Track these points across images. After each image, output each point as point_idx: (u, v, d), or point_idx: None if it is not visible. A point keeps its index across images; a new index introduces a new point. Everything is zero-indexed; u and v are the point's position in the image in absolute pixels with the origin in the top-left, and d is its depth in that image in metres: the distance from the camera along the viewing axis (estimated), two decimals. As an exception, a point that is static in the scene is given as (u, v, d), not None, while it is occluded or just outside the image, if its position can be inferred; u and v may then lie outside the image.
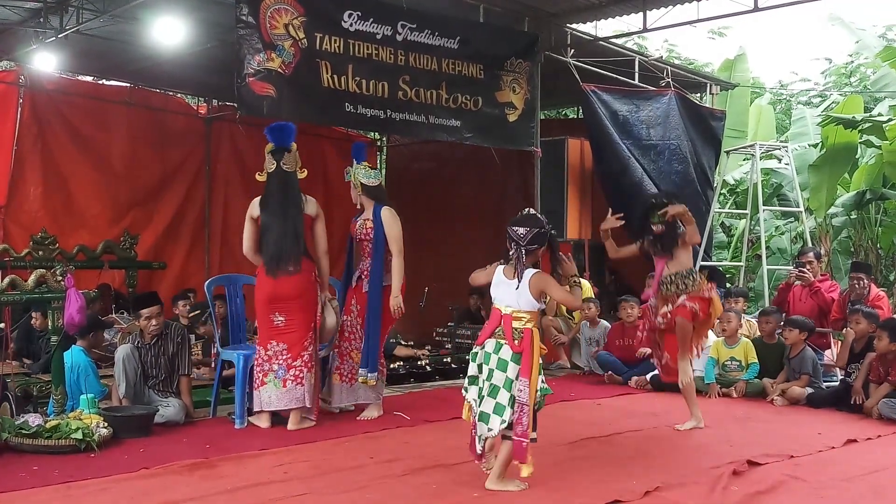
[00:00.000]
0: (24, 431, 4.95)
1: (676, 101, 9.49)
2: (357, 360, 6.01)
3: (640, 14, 8.61)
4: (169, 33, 7.93)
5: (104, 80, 10.68)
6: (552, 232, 4.46)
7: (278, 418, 5.72)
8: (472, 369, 4.36)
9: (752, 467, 4.74)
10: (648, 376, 7.30)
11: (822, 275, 8.40)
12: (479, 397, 4.28)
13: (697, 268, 6.01)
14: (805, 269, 8.06)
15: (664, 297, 5.76)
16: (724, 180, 11.58)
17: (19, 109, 9.26)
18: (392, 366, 7.65)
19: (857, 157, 12.22)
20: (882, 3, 21.38)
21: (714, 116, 10.22)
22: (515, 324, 4.25)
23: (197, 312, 7.85)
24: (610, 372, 7.77)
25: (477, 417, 4.27)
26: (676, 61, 14.34)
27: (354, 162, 6.12)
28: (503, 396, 4.19)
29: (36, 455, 4.84)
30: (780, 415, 6.44)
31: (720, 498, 4.21)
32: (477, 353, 4.35)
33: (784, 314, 7.71)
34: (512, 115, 8.42)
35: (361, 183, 6.05)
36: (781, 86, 18.27)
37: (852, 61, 16.95)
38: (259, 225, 5.75)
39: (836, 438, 5.50)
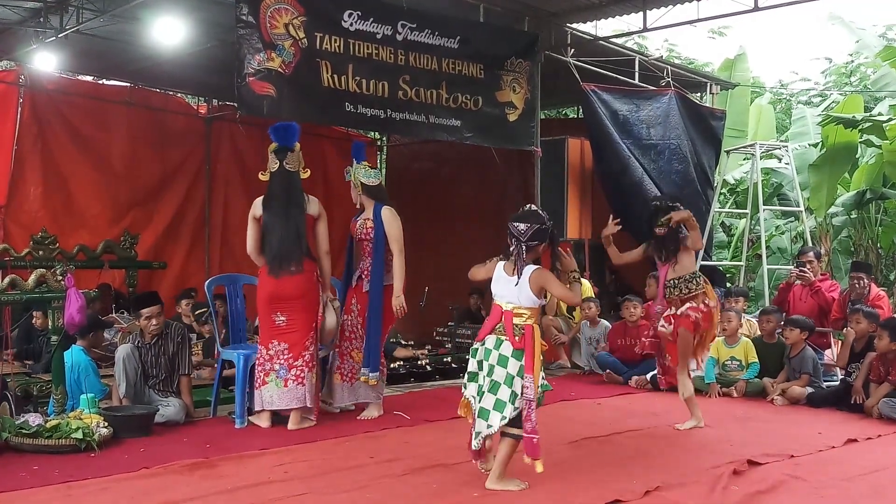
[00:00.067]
0: (24, 431, 4.96)
1: (676, 101, 9.49)
2: (357, 359, 6.02)
3: (640, 14, 8.61)
4: (169, 33, 7.93)
5: (104, 80, 10.68)
6: (553, 228, 4.46)
7: (278, 418, 5.72)
8: (471, 365, 4.36)
9: (753, 467, 4.74)
10: (648, 376, 7.30)
11: (822, 274, 8.40)
12: (478, 394, 4.27)
13: (697, 267, 6.02)
14: (805, 269, 8.07)
15: (668, 301, 5.79)
16: (724, 180, 11.58)
17: (19, 109, 9.26)
18: (392, 366, 7.66)
19: (857, 156, 12.21)
20: (882, 2, 21.40)
21: (714, 116, 10.22)
22: (516, 320, 4.25)
23: (203, 311, 7.85)
24: (609, 371, 7.78)
25: (476, 414, 4.27)
26: (676, 61, 14.33)
27: (354, 161, 6.12)
28: (504, 393, 4.18)
29: (36, 455, 4.84)
30: (780, 414, 6.44)
31: (720, 498, 4.21)
32: (477, 349, 4.34)
33: (784, 314, 7.71)
34: (512, 115, 8.42)
35: (361, 182, 6.05)
36: (781, 85, 18.26)
37: (852, 61, 16.94)
38: (261, 225, 5.75)
39: (837, 438, 5.50)
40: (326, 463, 4.79)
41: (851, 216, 12.43)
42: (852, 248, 12.62)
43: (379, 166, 11.75)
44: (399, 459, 4.84)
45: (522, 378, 4.18)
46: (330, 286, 6.02)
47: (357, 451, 5.07)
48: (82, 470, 4.55)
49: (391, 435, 5.59)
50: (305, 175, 5.83)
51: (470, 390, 4.32)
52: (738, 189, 13.42)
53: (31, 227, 8.60)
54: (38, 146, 9.41)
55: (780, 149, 11.82)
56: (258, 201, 5.79)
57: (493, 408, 4.19)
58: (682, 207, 5.76)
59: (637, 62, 9.52)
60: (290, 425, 5.63)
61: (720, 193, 11.36)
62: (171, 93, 11.27)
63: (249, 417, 5.77)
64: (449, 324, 9.35)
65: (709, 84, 10.70)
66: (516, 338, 4.21)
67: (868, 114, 12.02)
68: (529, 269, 4.26)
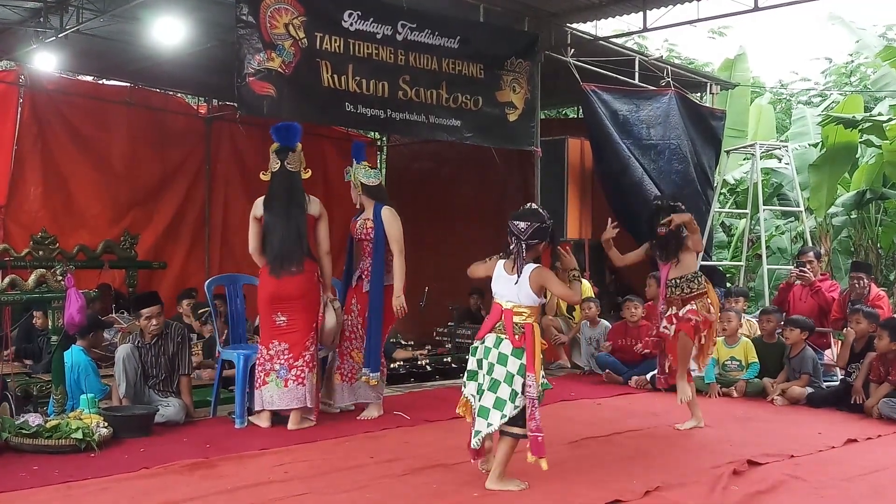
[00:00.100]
0: (24, 431, 4.95)
1: (676, 101, 9.49)
2: (357, 359, 6.02)
3: (640, 14, 8.61)
4: (169, 33, 7.93)
5: (104, 80, 10.67)
6: (553, 227, 4.45)
7: (278, 418, 5.72)
8: (471, 364, 4.35)
9: (753, 467, 4.75)
10: (648, 376, 7.29)
11: (822, 274, 8.40)
12: (478, 392, 4.27)
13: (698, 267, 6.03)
14: (805, 269, 8.07)
15: (669, 301, 5.79)
16: (724, 180, 11.58)
17: (19, 109, 9.25)
18: (392, 366, 7.66)
19: (857, 156, 12.21)
20: (882, 2, 21.40)
21: (714, 116, 10.21)
22: (516, 318, 4.24)
23: (205, 310, 7.85)
24: (609, 371, 7.78)
25: (476, 412, 4.26)
26: (676, 61, 14.33)
27: (354, 161, 6.12)
28: (504, 391, 4.18)
29: (36, 455, 4.84)
30: (780, 414, 6.44)
31: (720, 498, 4.21)
32: (477, 347, 4.34)
33: (784, 314, 7.72)
34: (512, 115, 8.42)
35: (361, 182, 6.05)
36: (781, 85, 18.26)
37: (852, 61, 16.93)
38: (262, 225, 5.75)
39: (837, 438, 5.50)
40: (326, 463, 4.79)
41: (851, 216, 12.43)
42: (852, 248, 12.62)
43: (379, 166, 11.74)
44: (399, 459, 4.84)
45: (523, 376, 4.18)
46: (331, 286, 6.02)
47: (357, 451, 5.07)
48: (82, 470, 4.55)
49: (391, 435, 5.59)
50: (307, 175, 5.83)
51: (469, 389, 4.32)
52: (738, 189, 13.42)
53: (31, 227, 8.60)
54: (38, 146, 9.40)
55: (780, 149, 11.82)
56: (259, 201, 5.79)
57: (494, 406, 4.18)
58: (683, 209, 5.76)
59: (637, 62, 9.52)
60: (290, 425, 5.63)
61: (720, 193, 11.36)
62: (171, 93, 11.26)
63: (249, 417, 5.77)
64: (449, 324, 9.35)
65: (709, 84, 10.70)
66: (516, 336, 4.20)
67: (868, 114, 12.02)
68: (529, 268, 4.26)
